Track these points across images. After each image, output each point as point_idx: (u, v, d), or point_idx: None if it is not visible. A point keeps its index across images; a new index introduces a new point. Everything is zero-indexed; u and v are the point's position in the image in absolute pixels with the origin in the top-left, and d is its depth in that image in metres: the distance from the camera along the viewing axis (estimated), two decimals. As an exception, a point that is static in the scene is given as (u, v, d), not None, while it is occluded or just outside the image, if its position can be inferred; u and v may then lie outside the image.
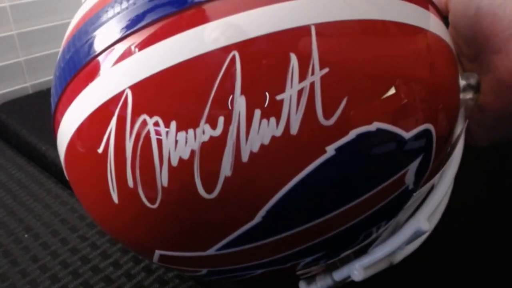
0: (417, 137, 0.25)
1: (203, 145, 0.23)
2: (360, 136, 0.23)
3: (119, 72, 0.25)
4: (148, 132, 0.23)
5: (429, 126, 0.26)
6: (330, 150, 0.23)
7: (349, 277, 0.32)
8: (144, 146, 0.24)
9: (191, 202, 0.24)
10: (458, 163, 0.31)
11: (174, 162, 0.23)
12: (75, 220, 0.52)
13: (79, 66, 0.27)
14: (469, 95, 0.33)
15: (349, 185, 0.24)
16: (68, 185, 0.59)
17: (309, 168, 0.23)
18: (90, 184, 0.28)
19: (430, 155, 0.26)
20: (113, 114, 0.25)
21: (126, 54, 0.25)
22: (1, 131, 0.78)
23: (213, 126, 0.22)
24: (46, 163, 0.65)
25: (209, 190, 0.23)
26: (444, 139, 0.28)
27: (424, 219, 0.30)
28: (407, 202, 0.27)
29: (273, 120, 0.22)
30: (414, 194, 0.28)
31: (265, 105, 0.22)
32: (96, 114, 0.26)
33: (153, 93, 0.24)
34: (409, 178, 0.26)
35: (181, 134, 0.23)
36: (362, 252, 0.35)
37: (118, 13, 0.26)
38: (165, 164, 0.23)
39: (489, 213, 0.48)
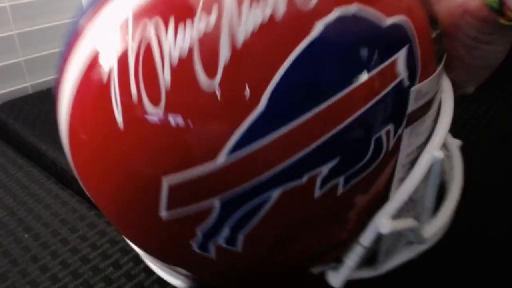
0: (394, 25, 0.27)
1: (201, 36, 0.24)
2: (341, 18, 0.25)
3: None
4: (149, 34, 0.25)
5: (404, 17, 0.28)
6: (320, 25, 0.25)
7: (378, 238, 0.31)
8: (146, 49, 0.25)
9: (196, 93, 0.24)
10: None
11: (175, 59, 0.24)
12: (75, 220, 0.52)
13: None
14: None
15: (341, 67, 0.26)
16: (68, 185, 0.60)
17: (301, 46, 0.25)
18: (95, 115, 0.28)
19: (415, 49, 0.28)
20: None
21: None
22: (1, 131, 0.78)
23: (208, 12, 0.24)
24: (46, 163, 0.65)
25: (211, 74, 0.24)
26: (424, 35, 0.30)
27: (437, 148, 0.31)
28: (407, 103, 0.28)
29: (262, 4, 0.24)
30: (420, 129, 0.29)
31: None
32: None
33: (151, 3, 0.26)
34: (401, 69, 0.27)
35: (180, 27, 0.24)
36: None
37: None
38: (166, 60, 0.24)
39: (490, 212, 0.48)
